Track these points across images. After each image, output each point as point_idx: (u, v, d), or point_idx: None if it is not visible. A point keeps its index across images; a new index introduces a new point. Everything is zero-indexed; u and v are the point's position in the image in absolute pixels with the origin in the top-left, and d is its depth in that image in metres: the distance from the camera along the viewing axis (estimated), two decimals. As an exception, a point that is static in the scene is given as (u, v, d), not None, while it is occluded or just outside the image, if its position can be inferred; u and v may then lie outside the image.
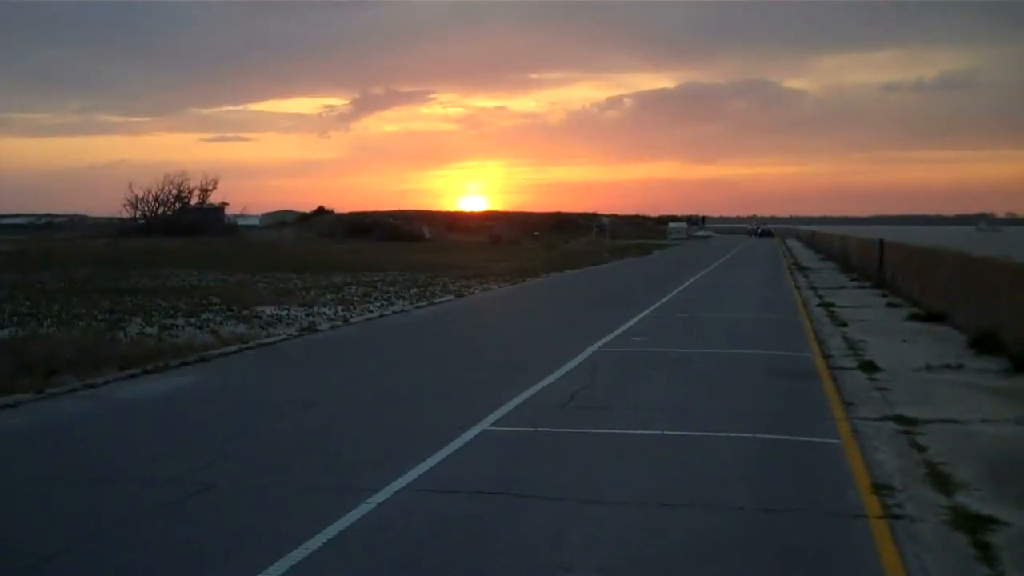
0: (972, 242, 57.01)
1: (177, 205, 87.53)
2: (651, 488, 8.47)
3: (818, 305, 26.87)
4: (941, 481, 8.72)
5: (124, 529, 7.39)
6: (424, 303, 27.06)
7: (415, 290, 31.23)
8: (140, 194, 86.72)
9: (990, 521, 7.56)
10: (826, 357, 16.51)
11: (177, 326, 20.10)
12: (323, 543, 7.00)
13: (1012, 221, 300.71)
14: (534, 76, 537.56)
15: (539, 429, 10.76)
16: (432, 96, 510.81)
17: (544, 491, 8.32)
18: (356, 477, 8.78)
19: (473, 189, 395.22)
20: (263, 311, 23.41)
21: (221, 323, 20.83)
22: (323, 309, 24.34)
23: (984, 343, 16.98)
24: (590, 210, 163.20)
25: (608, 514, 7.71)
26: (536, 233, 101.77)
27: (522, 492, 8.29)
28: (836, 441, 10.34)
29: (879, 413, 11.75)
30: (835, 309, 25.41)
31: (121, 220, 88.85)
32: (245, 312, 23.07)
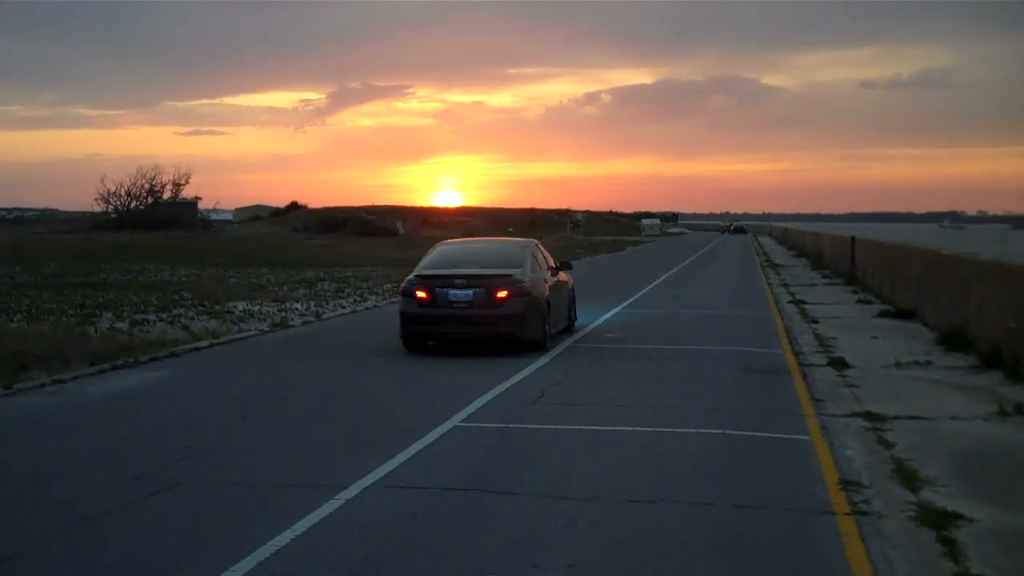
0: (933, 239, 57.31)
1: (149, 199, 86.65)
2: (621, 484, 8.49)
3: (789, 302, 27.01)
4: (908, 477, 8.78)
5: (90, 527, 7.34)
6: (397, 299, 26.97)
7: (388, 285, 31.16)
8: (112, 188, 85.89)
9: (956, 517, 7.62)
10: (797, 354, 16.60)
11: (148, 321, 19.98)
12: (291, 539, 6.97)
13: (982, 219, 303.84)
14: (512, 71, 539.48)
15: (509, 425, 10.76)
16: (409, 90, 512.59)
17: (514, 487, 8.33)
18: (325, 474, 8.75)
19: (448, 184, 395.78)
20: (235, 306, 23.31)
21: (192, 318, 20.72)
22: (295, 305, 24.26)
23: (953, 340, 17.11)
24: (564, 206, 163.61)
25: (578, 510, 7.71)
26: (510, 229, 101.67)
27: (492, 488, 8.30)
28: (805, 437, 10.40)
29: (848, 410, 11.82)
30: (806, 306, 25.54)
31: (93, 214, 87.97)
32: (217, 307, 22.96)
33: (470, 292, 16.01)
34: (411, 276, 16.95)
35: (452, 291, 16.06)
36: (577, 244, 78.93)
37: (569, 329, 19.23)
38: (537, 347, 16.43)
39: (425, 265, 17.27)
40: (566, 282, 19.20)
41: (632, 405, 12.03)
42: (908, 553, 6.91)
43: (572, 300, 19.63)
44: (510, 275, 16.31)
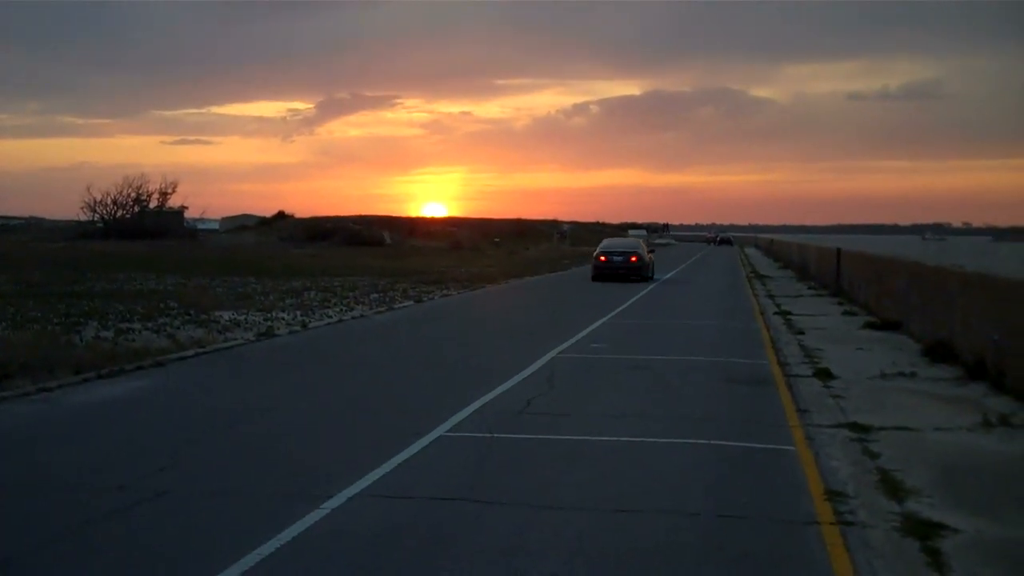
0: (914, 251, 57.33)
1: (136, 208, 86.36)
2: (607, 494, 8.50)
3: (775, 313, 27.08)
4: (893, 488, 8.82)
5: (75, 536, 7.31)
6: (383, 308, 26.97)
7: (375, 295, 31.14)
8: (98, 197, 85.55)
9: (940, 527, 7.66)
10: (782, 365, 16.64)
11: (134, 330, 19.90)
12: (276, 549, 6.96)
13: (965, 231, 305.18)
14: (500, 82, 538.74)
15: (495, 435, 10.76)
16: (398, 101, 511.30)
17: (500, 497, 8.33)
18: (311, 483, 8.73)
19: (436, 195, 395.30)
20: (221, 315, 23.23)
21: (178, 327, 20.65)
22: (282, 314, 24.19)
23: (937, 351, 17.19)
24: (552, 217, 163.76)
25: (564, 520, 7.72)
26: (496, 239, 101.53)
27: (478, 498, 8.30)
28: (791, 448, 10.43)
29: (833, 420, 11.86)
30: (792, 317, 25.63)
31: (79, 223, 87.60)
32: (203, 316, 22.88)
33: (621, 257, 40.19)
34: (597, 251, 41.54)
35: (615, 257, 40.30)
36: (563, 255, 78.80)
37: (652, 278, 41.59)
38: (645, 280, 39.84)
39: (601, 247, 42.02)
40: (652, 257, 43.05)
41: (618, 415, 12.05)
42: (893, 563, 6.94)
43: (654, 265, 43.33)
44: (636, 251, 40.74)
